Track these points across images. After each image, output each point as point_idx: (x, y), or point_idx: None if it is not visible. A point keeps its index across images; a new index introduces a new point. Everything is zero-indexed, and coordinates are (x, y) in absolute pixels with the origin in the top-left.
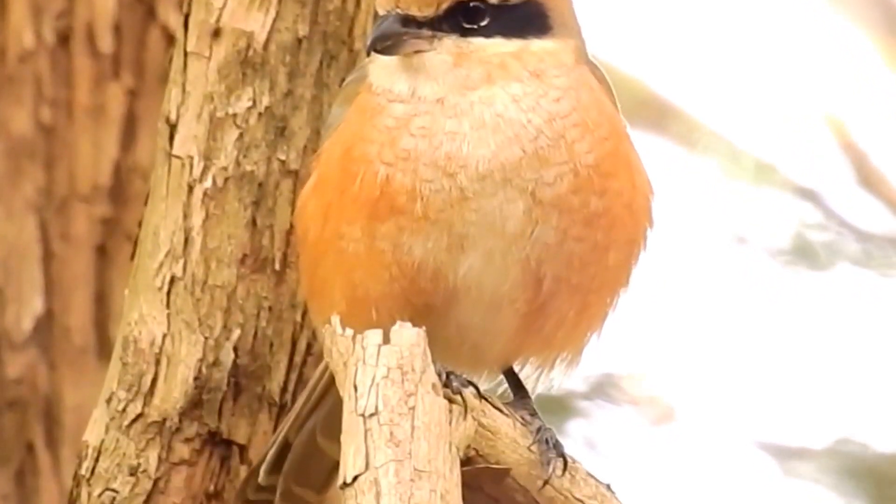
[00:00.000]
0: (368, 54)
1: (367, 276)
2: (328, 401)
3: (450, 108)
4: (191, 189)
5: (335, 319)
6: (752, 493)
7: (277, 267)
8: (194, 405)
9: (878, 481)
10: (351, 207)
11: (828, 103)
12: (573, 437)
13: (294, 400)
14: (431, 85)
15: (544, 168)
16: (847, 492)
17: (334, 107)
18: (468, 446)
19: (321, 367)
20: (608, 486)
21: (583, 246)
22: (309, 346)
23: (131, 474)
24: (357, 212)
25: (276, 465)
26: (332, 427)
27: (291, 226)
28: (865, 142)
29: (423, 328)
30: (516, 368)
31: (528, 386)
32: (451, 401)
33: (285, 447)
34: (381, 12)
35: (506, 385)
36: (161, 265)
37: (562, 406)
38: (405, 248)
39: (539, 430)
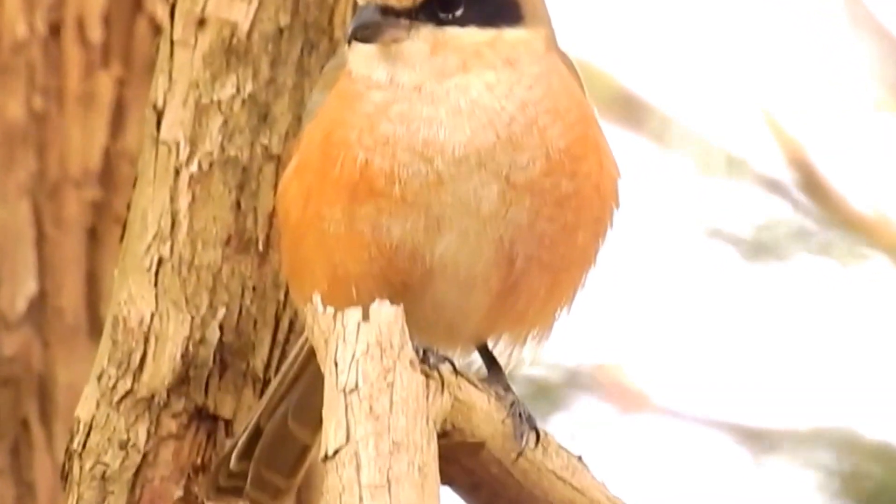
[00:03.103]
0: (349, 42)
1: (347, 256)
2: (299, 387)
3: (427, 95)
4: (177, 173)
5: (316, 298)
6: (726, 478)
7: (261, 248)
8: (182, 381)
9: (850, 467)
10: (331, 190)
11: (795, 101)
12: (550, 426)
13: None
14: (409, 72)
15: (518, 152)
16: (818, 477)
17: (314, 93)
18: (444, 420)
19: (292, 355)
20: (579, 458)
21: (554, 226)
22: (291, 323)
23: (121, 448)
24: (337, 194)
25: (247, 452)
26: (303, 412)
27: (274, 208)
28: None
29: (401, 306)
30: (490, 345)
31: (501, 362)
32: (428, 376)
33: (256, 433)
34: (361, 2)
35: (480, 361)
36: (149, 247)
37: (538, 396)
38: (384, 228)
39: (512, 404)
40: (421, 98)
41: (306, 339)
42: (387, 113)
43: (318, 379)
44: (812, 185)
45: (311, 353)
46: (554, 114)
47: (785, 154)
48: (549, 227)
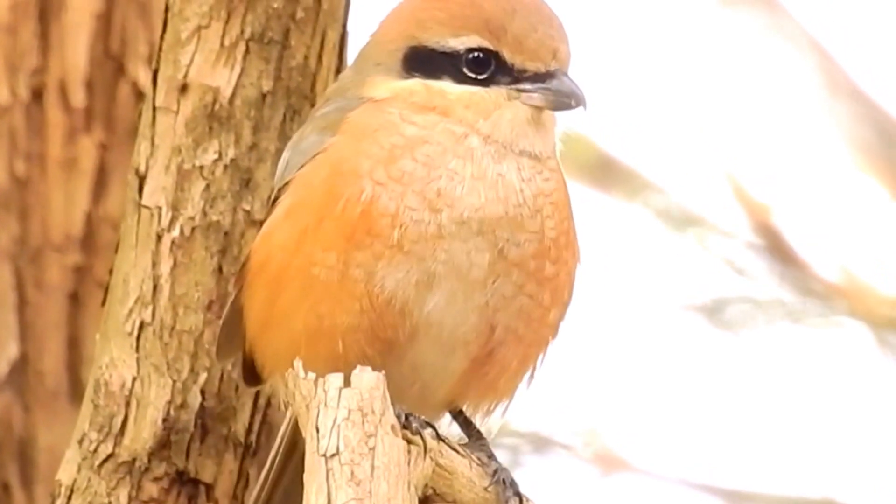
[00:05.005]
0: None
1: (337, 306)
2: (277, 495)
3: (463, 149)
4: (159, 238)
5: (298, 363)
6: None
7: None
8: (163, 446)
9: None
10: (329, 232)
11: (767, 166)
12: (529, 490)
13: (259, 441)
14: (535, 141)
15: (517, 232)
16: None
17: (309, 135)
18: (426, 485)
19: (269, 459)
20: None
21: (532, 302)
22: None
23: None
24: (335, 236)
25: None
26: None
27: (246, 260)
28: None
29: (383, 372)
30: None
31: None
32: (409, 441)
33: None
34: (552, 68)
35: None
36: (131, 311)
37: (511, 461)
38: (378, 277)
39: (496, 471)
40: (455, 149)
41: (279, 444)
42: (413, 150)
43: (294, 487)
44: (784, 252)
45: (286, 459)
46: (554, 207)
47: (755, 221)
48: (528, 303)
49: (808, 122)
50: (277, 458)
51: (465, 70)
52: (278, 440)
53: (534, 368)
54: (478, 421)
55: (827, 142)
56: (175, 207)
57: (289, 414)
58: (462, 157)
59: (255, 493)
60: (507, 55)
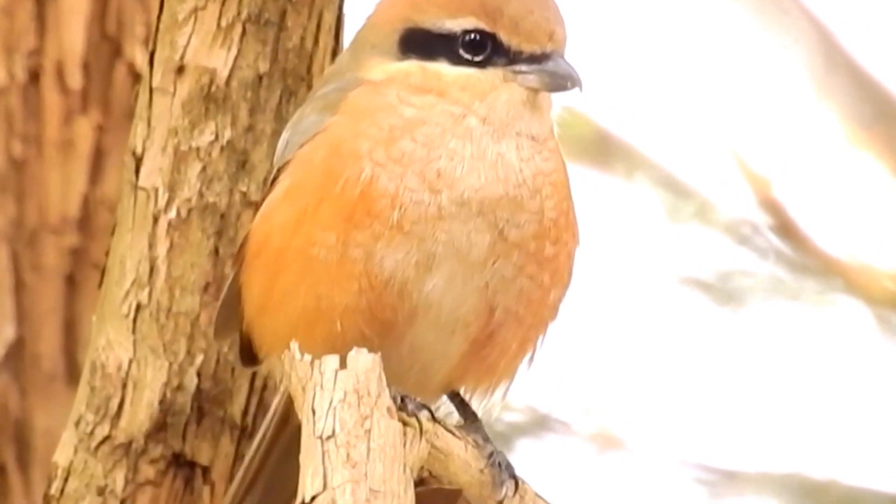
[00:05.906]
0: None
1: (335, 287)
2: (262, 479)
3: (462, 129)
4: (156, 220)
5: (294, 345)
6: None
7: None
8: (159, 428)
9: None
10: (329, 211)
11: (766, 142)
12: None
13: (255, 424)
14: (525, 123)
15: (518, 213)
16: None
17: (310, 115)
18: (422, 467)
19: (254, 445)
20: None
21: (532, 283)
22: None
23: (99, 494)
24: (334, 216)
25: None
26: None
27: (244, 241)
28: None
29: (379, 354)
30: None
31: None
32: (405, 423)
33: None
34: (547, 49)
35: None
36: (127, 293)
37: (508, 439)
38: (377, 258)
39: (491, 454)
40: (454, 130)
41: (262, 436)
42: (412, 131)
43: (277, 478)
44: (784, 229)
45: (268, 451)
46: (553, 187)
47: (756, 196)
48: (528, 284)
49: (806, 98)
50: (268, 433)
51: (461, 52)
52: (270, 414)
53: (533, 350)
54: (476, 403)
55: (826, 119)
56: (171, 189)
57: (282, 389)
58: (461, 138)
59: (243, 468)
60: (503, 37)
